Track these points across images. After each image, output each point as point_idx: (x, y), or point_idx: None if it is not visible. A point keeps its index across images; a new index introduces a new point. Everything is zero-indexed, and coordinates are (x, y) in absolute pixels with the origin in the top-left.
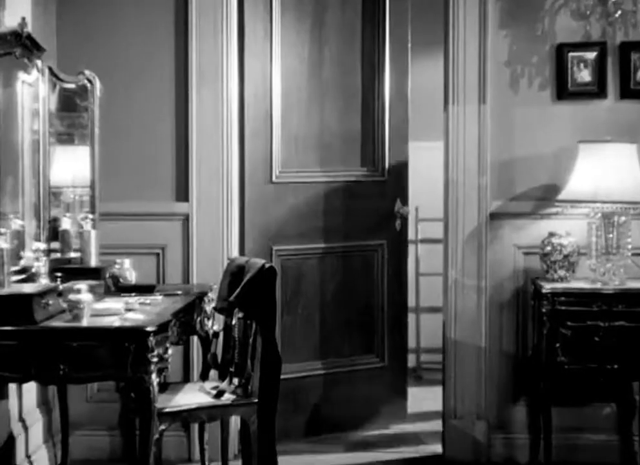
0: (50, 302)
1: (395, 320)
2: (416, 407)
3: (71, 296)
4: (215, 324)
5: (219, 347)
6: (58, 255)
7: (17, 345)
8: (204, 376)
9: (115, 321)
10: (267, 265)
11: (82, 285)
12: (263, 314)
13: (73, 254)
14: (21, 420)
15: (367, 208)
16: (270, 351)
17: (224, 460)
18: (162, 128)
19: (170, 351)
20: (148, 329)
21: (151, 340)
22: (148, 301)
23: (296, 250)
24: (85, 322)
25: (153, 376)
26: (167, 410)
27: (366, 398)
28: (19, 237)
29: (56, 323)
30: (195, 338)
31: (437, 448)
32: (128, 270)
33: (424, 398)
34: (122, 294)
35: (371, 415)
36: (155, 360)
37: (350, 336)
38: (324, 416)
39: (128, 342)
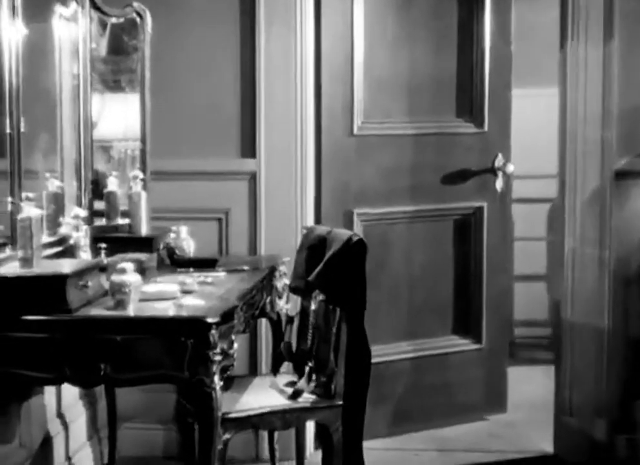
0: (89, 283)
1: (495, 295)
2: (514, 392)
3: (115, 278)
4: (287, 303)
5: (291, 333)
6: (103, 222)
7: (47, 338)
8: (275, 368)
9: (169, 309)
10: (355, 238)
11: (128, 264)
12: (350, 298)
13: (120, 221)
14: (60, 416)
15: (463, 165)
16: (358, 343)
17: None
18: (224, 72)
19: (235, 345)
20: (210, 319)
21: (214, 333)
22: (209, 280)
23: (380, 214)
24: (131, 310)
25: (216, 378)
26: (233, 415)
27: (460, 385)
28: (56, 201)
29: (96, 310)
30: (264, 320)
31: (546, 447)
32: (185, 239)
33: (520, 381)
34: (178, 270)
35: (467, 405)
36: (218, 358)
37: (442, 314)
38: (412, 407)
39: (185, 336)
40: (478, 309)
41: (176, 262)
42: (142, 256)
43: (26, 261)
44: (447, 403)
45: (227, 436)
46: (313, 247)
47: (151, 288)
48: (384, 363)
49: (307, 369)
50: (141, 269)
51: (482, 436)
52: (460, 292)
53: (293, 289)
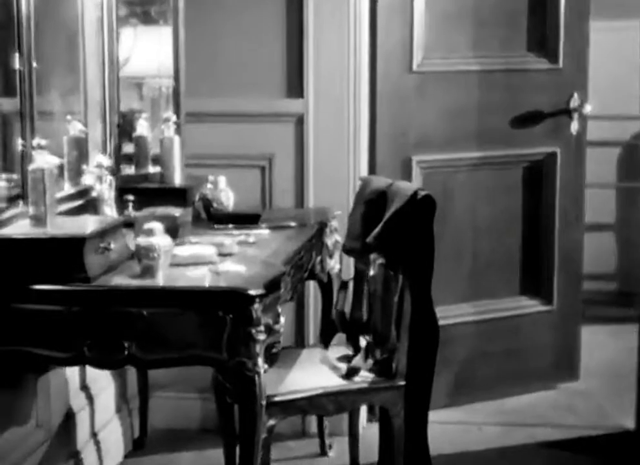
0: (112, 246)
1: (566, 250)
2: (585, 356)
3: (141, 241)
4: (339, 263)
5: (344, 301)
6: (131, 171)
7: (61, 312)
8: (325, 340)
9: (204, 278)
10: (421, 193)
11: (157, 224)
12: (415, 263)
13: (151, 170)
14: (84, 388)
15: (534, 106)
16: (424, 315)
17: (354, 455)
18: (268, 1)
19: (282, 319)
20: (252, 291)
21: (257, 307)
22: (251, 240)
23: (442, 161)
24: (160, 279)
25: (260, 360)
26: (278, 398)
27: (527, 351)
28: (79, 147)
29: (119, 279)
30: (312, 283)
31: (626, 422)
32: (224, 191)
33: (592, 343)
34: (215, 226)
35: (535, 373)
36: (261, 336)
37: (509, 272)
38: (474, 375)
39: (223, 311)
40: (549, 266)
41: (213, 217)
42: (175, 210)
43: (38, 220)
44: (513, 370)
45: (272, 422)
46: (371, 203)
47: (185, 251)
48: (443, 327)
49: (363, 343)
50: (174, 226)
51: (551, 408)
52: (529, 247)
53: (347, 251)
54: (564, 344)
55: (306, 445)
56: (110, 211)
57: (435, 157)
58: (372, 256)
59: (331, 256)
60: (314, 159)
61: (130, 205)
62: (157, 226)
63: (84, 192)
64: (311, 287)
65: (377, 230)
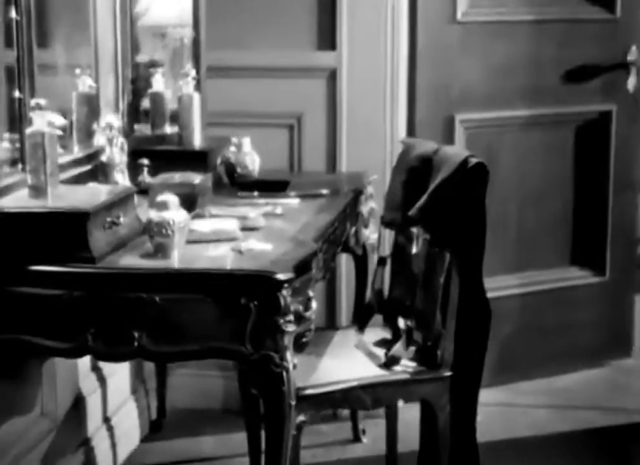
0: (121, 219)
1: (620, 216)
2: (638, 329)
3: (154, 215)
4: (375, 233)
5: (382, 279)
6: (146, 131)
7: (63, 297)
8: (360, 321)
9: (225, 259)
10: (472, 160)
11: (171, 197)
12: (465, 240)
13: (168, 130)
14: (95, 370)
15: (588, 59)
16: (473, 298)
17: (391, 442)
18: None
19: (314, 305)
20: (280, 275)
21: (285, 293)
22: (278, 211)
23: (487, 120)
24: (175, 260)
25: (288, 354)
26: (309, 391)
27: (577, 325)
28: (89, 104)
29: (129, 259)
30: (344, 256)
31: None
32: (249, 154)
33: None
34: (239, 193)
35: (585, 349)
36: (290, 327)
37: (558, 241)
38: (520, 352)
39: (247, 298)
40: (601, 234)
41: (237, 183)
42: (194, 176)
43: (37, 191)
44: (561, 346)
45: (301, 418)
46: (415, 170)
47: (204, 225)
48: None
49: (402, 326)
50: (192, 195)
51: (602, 387)
52: (580, 214)
53: (386, 223)
54: (616, 318)
55: (338, 429)
56: (122, 178)
57: (479, 116)
58: (415, 231)
59: (366, 226)
60: (347, 117)
61: (144, 170)
62: (172, 199)
63: (93, 156)
64: (344, 260)
65: (421, 201)
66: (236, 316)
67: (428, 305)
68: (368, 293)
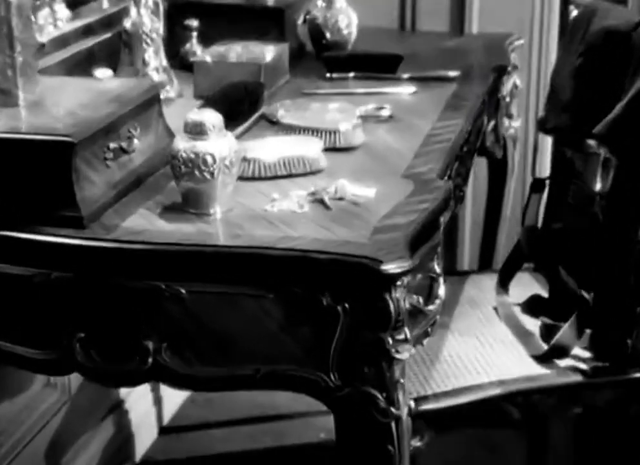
0: (135, 143)
1: None
2: None
3: (184, 147)
4: (517, 120)
5: (536, 212)
6: None
7: (35, 280)
8: (504, 272)
9: (296, 221)
10: None
11: (211, 115)
12: None
13: None
14: None
15: None
16: None
17: None
18: None
19: (441, 291)
20: (391, 266)
21: (398, 295)
22: (385, 112)
23: None
24: (216, 225)
25: (401, 395)
26: (429, 406)
27: None
28: None
29: (139, 218)
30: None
31: None
32: (343, 11)
33: None
34: (328, 74)
35: None
36: (404, 351)
37: None
38: None
39: (333, 296)
40: None
41: (325, 59)
42: (264, 50)
43: (5, 97)
44: None
45: (415, 443)
46: (598, 52)
47: (269, 149)
48: None
49: (572, 286)
50: (258, 87)
51: None
52: None
53: (547, 129)
54: None
55: None
56: (153, 51)
57: None
58: (595, 148)
59: (509, 115)
60: None
61: (192, 36)
62: (212, 118)
63: (112, 19)
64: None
65: (615, 113)
66: (314, 324)
67: (610, 264)
68: (504, 222)
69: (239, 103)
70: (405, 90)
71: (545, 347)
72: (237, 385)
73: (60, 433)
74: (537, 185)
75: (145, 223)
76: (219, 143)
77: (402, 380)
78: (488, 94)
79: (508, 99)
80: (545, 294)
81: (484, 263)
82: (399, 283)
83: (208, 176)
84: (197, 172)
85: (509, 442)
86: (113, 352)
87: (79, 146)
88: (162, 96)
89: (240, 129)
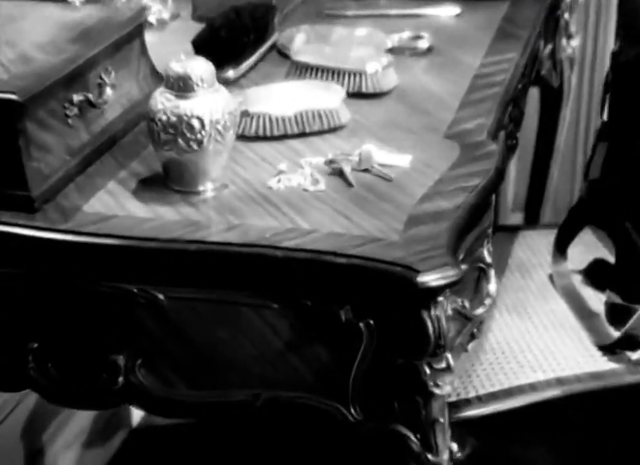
0: (107, 93)
1: None
2: None
3: (166, 103)
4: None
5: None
6: None
7: None
8: (562, 234)
9: (308, 205)
10: None
11: (201, 62)
12: None
13: None
14: None
15: None
16: None
17: None
18: None
19: (492, 286)
20: (429, 278)
21: (438, 313)
22: (423, 43)
23: None
24: (207, 206)
25: (440, 439)
26: (471, 412)
27: None
28: None
29: (107, 196)
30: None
31: None
32: None
33: None
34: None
35: None
36: (445, 386)
37: None
38: None
39: (354, 309)
40: None
41: None
42: None
43: None
44: None
45: (456, 451)
46: None
47: (283, 97)
48: None
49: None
50: (270, 8)
51: None
52: None
53: (623, 63)
54: None
55: None
56: None
57: None
58: None
59: (568, 35)
60: None
61: None
62: (202, 69)
63: None
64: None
65: None
66: (330, 343)
67: None
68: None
69: (245, 30)
70: (447, 12)
71: (613, 332)
72: (230, 412)
73: (40, 406)
74: (604, 132)
75: (114, 205)
76: (209, 102)
77: (441, 420)
78: (546, 13)
79: (567, 16)
80: (611, 259)
81: (531, 214)
82: (440, 298)
83: (195, 146)
84: (180, 140)
85: (569, 453)
86: (74, 367)
87: (28, 104)
88: (153, 18)
89: (244, 66)
